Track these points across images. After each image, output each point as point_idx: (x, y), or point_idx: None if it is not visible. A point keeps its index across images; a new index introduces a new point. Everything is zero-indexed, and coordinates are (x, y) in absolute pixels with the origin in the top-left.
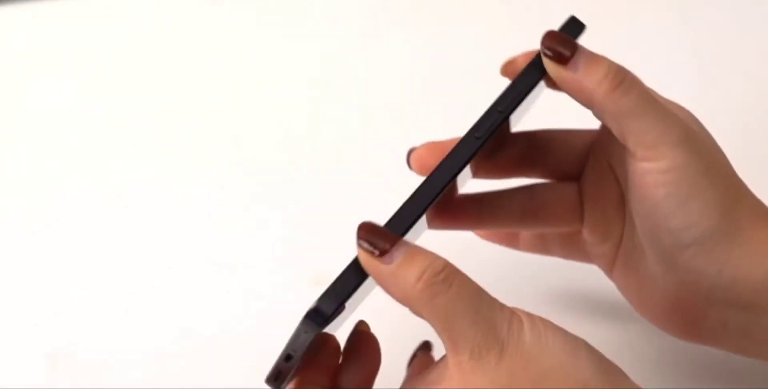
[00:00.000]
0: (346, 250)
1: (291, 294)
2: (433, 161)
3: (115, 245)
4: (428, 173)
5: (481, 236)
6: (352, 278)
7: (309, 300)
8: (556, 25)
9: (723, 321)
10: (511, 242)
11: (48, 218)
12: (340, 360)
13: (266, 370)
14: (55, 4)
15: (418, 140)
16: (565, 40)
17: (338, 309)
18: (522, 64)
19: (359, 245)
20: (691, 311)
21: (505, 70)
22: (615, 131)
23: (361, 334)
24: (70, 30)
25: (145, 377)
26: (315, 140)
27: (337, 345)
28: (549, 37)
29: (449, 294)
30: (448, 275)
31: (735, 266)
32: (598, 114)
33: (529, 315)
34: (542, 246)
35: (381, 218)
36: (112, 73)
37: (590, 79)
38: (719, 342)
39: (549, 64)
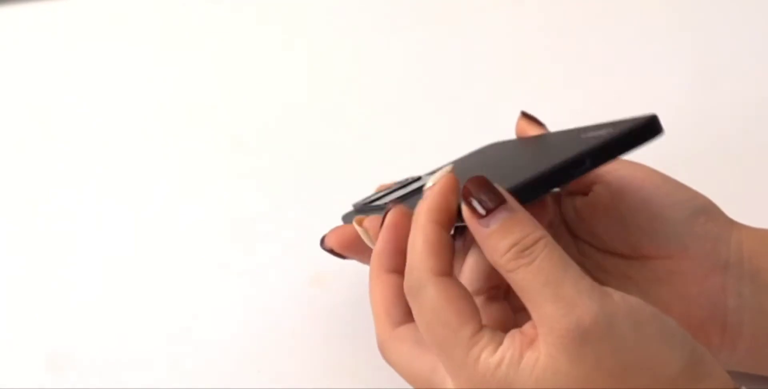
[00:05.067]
0: None
1: (291, 294)
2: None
3: (115, 244)
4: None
5: None
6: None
7: (309, 299)
8: (563, 27)
9: (738, 295)
10: None
11: (48, 218)
12: None
13: (266, 370)
14: (55, 4)
15: (418, 140)
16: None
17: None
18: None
19: (463, 199)
20: (711, 286)
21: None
22: None
23: None
24: (70, 30)
25: (145, 377)
26: (315, 140)
27: None
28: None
29: (530, 268)
30: (534, 250)
31: (738, 230)
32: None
33: (624, 298)
34: None
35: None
36: (111, 73)
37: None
38: (738, 336)
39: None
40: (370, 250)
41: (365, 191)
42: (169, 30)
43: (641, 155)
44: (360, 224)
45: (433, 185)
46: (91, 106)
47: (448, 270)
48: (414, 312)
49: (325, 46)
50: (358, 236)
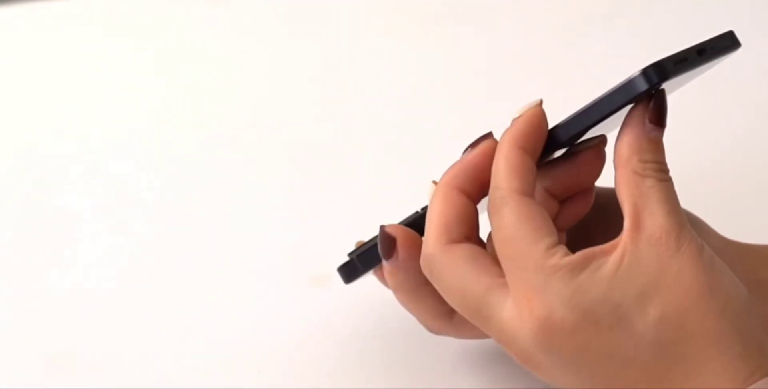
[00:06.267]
0: (346, 250)
1: (291, 294)
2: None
3: (115, 244)
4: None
5: None
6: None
7: (309, 300)
8: (565, 29)
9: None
10: None
11: (47, 218)
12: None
13: (266, 370)
14: (55, 4)
15: (415, 141)
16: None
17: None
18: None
19: (641, 102)
20: None
21: None
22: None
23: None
24: (70, 30)
25: (145, 378)
26: (315, 141)
27: None
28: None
29: (661, 183)
30: (666, 176)
31: (733, 245)
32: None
33: (710, 249)
34: None
35: (379, 219)
36: (111, 73)
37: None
38: None
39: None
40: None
41: (364, 192)
42: (169, 30)
43: None
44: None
45: (520, 115)
46: (91, 105)
47: (529, 191)
48: (493, 229)
49: (326, 46)
50: (421, 240)
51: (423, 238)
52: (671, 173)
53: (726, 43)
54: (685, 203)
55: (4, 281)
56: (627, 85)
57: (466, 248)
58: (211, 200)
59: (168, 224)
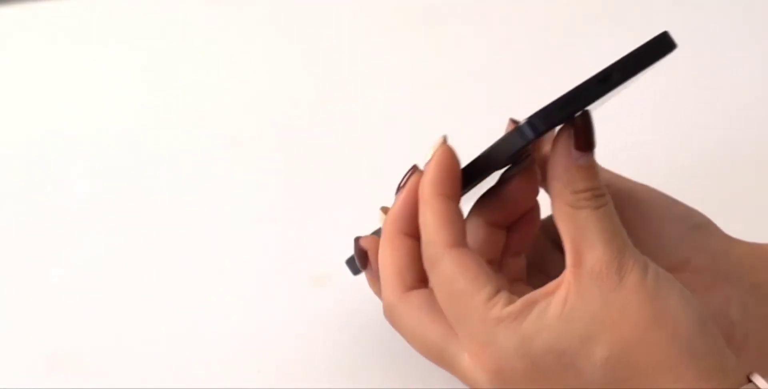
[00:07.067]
0: (346, 250)
1: (291, 294)
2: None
3: (115, 244)
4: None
5: None
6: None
7: (309, 300)
8: (556, 30)
9: (743, 306)
10: None
11: (47, 218)
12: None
13: (266, 371)
14: (55, 4)
15: (413, 141)
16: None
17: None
18: None
19: (570, 126)
20: (716, 298)
21: None
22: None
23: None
24: (70, 30)
25: (145, 377)
26: (314, 141)
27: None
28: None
29: (596, 211)
30: (603, 200)
31: (738, 245)
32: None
33: (655, 266)
34: None
35: (377, 219)
36: (111, 73)
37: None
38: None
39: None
40: None
41: (364, 191)
42: (167, 30)
43: (638, 169)
44: (386, 212)
45: (431, 158)
46: (91, 106)
47: (460, 241)
48: (432, 285)
49: (326, 47)
50: None
51: (381, 286)
52: (670, 172)
53: (647, 54)
54: (687, 200)
55: (5, 280)
56: (512, 137)
57: (422, 295)
58: (211, 199)
59: (168, 223)
